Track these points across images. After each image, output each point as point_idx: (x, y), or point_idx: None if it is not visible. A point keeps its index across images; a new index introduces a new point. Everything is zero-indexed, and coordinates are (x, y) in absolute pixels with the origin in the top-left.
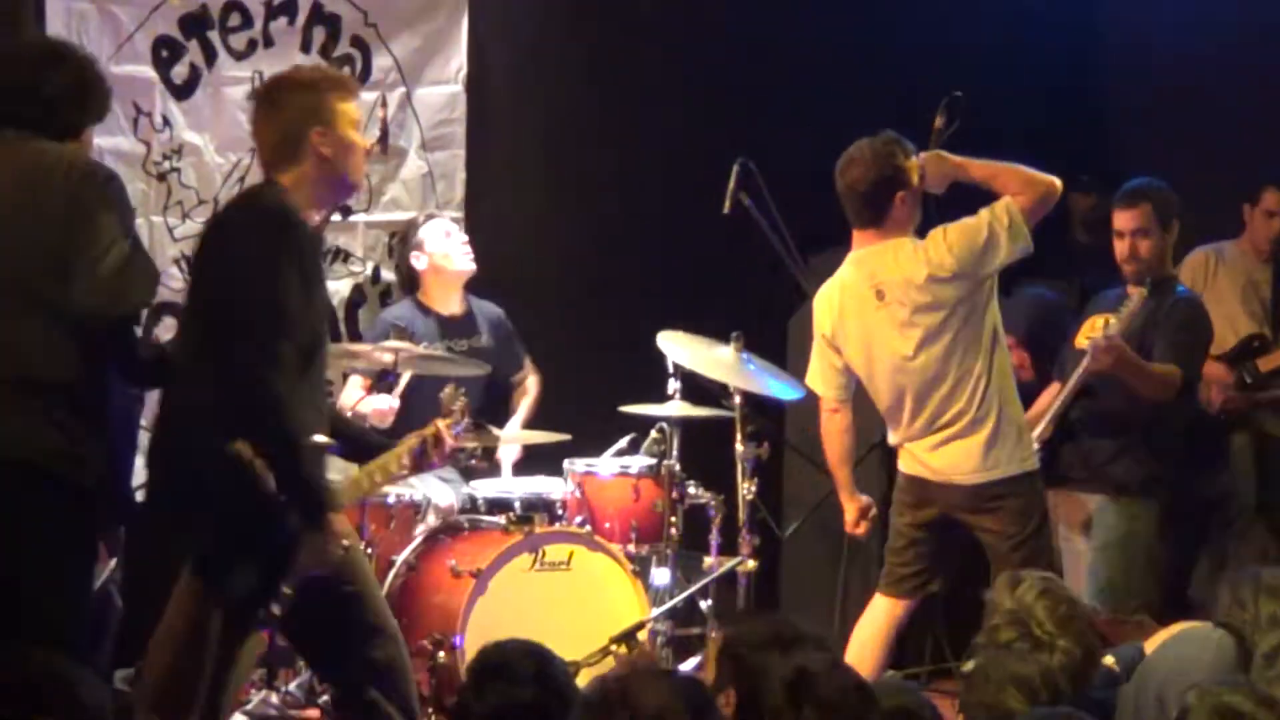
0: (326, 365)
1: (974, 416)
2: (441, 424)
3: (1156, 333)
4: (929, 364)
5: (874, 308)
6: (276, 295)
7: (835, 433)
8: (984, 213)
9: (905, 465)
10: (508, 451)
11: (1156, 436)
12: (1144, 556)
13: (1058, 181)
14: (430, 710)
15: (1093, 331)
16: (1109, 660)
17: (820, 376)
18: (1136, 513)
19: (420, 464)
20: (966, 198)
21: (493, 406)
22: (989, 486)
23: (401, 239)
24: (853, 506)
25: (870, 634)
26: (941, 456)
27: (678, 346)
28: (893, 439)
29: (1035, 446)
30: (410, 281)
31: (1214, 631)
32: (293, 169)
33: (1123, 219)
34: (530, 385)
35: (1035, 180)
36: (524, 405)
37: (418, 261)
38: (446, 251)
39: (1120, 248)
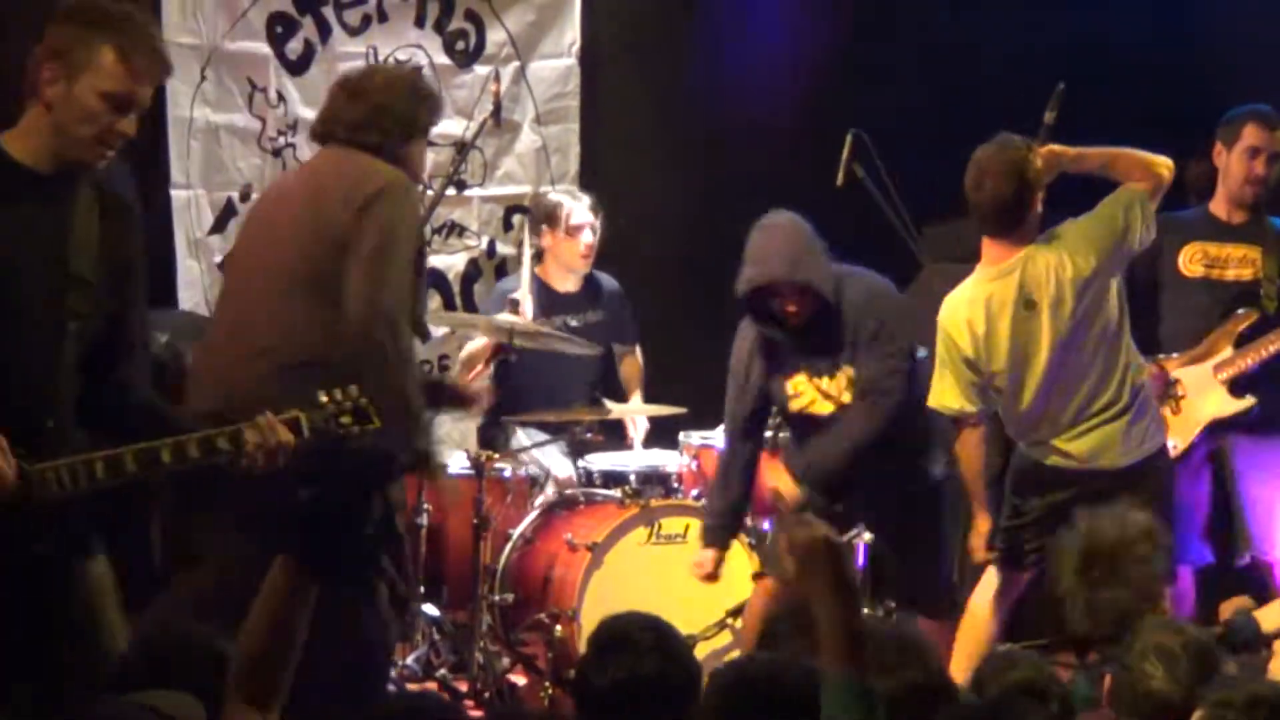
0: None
1: (1123, 404)
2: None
3: None
4: (1081, 361)
5: (1024, 319)
6: None
7: (975, 446)
8: (1112, 205)
9: (1039, 456)
10: (636, 427)
11: None
12: None
13: (1171, 163)
14: (547, 684)
15: (1202, 258)
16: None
17: (962, 394)
18: None
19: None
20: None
21: (608, 381)
22: (1136, 466)
23: (543, 213)
24: (987, 523)
25: (986, 605)
26: (1087, 443)
27: None
28: (1025, 439)
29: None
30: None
31: None
32: (30, 106)
33: (1269, 139)
34: (631, 371)
35: (1153, 164)
36: (633, 387)
37: (544, 239)
38: (563, 249)
39: (1256, 169)
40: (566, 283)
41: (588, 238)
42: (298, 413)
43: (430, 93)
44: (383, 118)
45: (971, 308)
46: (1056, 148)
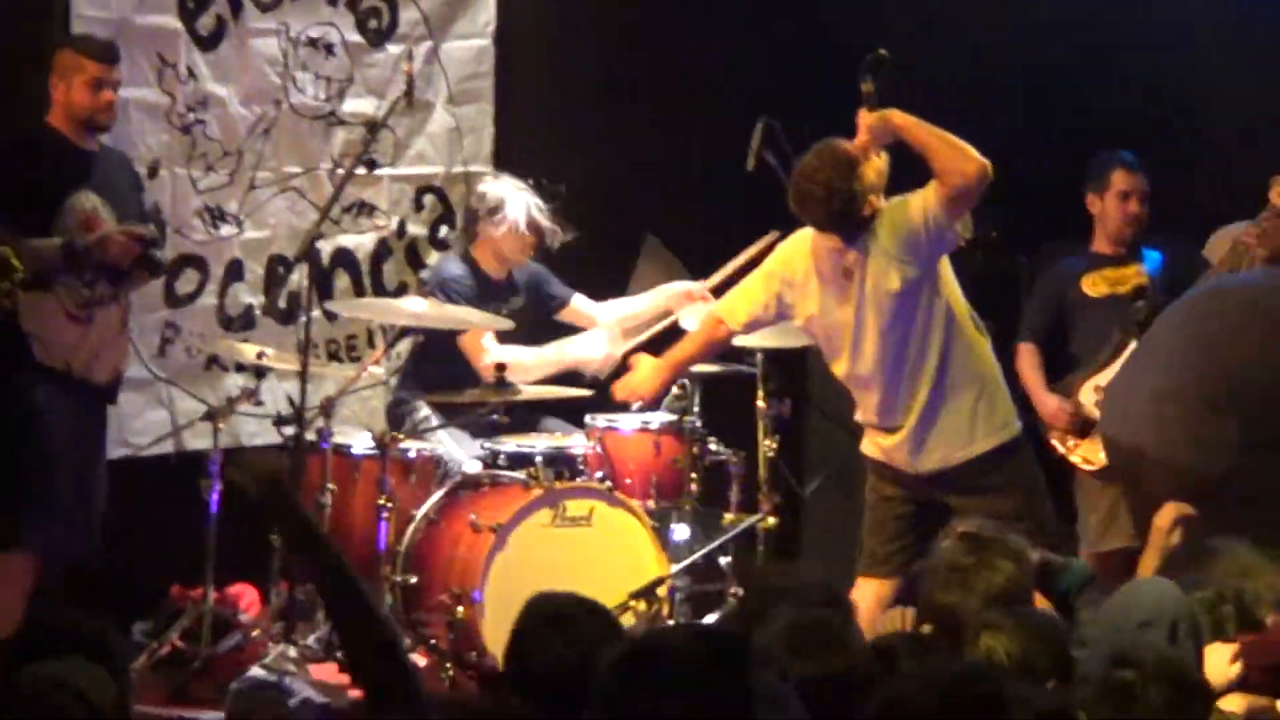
0: None
1: (938, 396)
2: None
3: None
4: (889, 345)
5: (841, 285)
6: None
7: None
8: (915, 215)
9: (873, 451)
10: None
11: None
12: None
13: (988, 165)
14: (448, 665)
15: (1104, 280)
16: None
17: (747, 302)
18: None
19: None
20: None
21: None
22: (969, 465)
23: (487, 209)
24: None
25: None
26: (911, 441)
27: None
28: (859, 417)
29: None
30: (469, 232)
31: None
32: None
33: (1135, 181)
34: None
35: (964, 166)
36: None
37: (494, 228)
38: (516, 246)
39: (1130, 209)
40: (498, 270)
41: (530, 238)
42: None
43: None
44: None
45: (803, 247)
46: (887, 113)
